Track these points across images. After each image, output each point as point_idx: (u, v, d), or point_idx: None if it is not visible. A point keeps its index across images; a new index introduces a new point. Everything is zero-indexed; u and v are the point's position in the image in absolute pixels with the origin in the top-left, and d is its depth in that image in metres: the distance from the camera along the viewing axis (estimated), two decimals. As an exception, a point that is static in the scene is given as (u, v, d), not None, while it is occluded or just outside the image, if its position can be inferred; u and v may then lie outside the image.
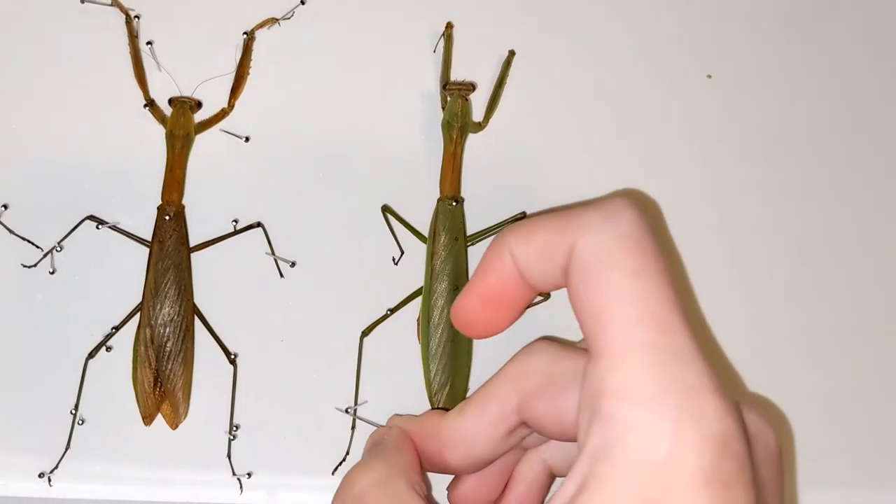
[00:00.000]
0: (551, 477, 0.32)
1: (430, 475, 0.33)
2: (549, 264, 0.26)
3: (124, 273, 0.43)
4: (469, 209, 0.45)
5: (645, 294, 0.24)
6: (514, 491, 0.32)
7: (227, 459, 0.42)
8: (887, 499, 0.45)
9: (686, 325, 0.24)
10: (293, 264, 0.44)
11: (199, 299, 0.43)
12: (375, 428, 0.34)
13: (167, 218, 0.42)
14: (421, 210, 0.44)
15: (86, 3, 0.44)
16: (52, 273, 0.43)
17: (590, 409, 0.23)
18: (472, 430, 0.29)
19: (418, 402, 0.43)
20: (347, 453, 0.43)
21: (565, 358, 0.28)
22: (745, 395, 0.45)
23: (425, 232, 0.44)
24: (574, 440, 0.27)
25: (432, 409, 0.43)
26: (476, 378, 0.44)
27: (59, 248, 0.42)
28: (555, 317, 0.42)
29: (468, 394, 0.44)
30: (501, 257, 0.27)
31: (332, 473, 0.43)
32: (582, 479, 0.23)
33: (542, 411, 0.28)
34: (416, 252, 0.44)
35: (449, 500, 0.32)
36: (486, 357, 0.44)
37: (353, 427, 0.43)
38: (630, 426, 0.22)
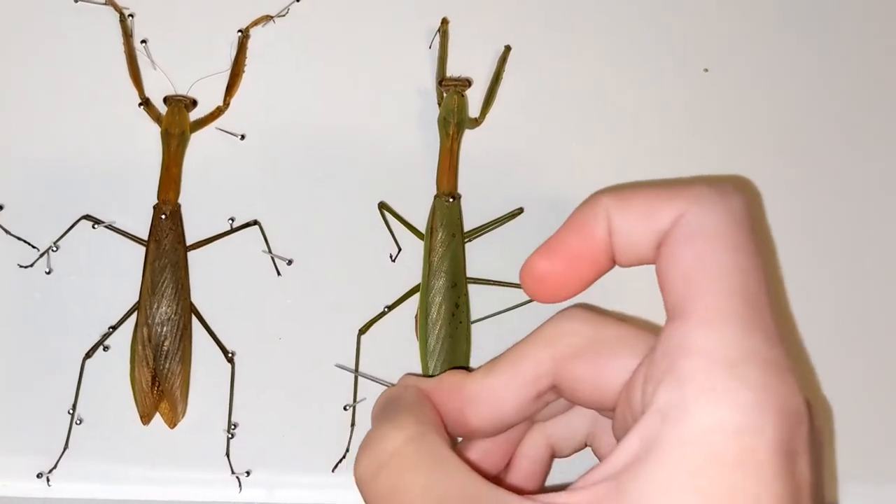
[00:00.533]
0: (552, 456, 0.32)
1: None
2: (648, 230, 0.26)
3: (121, 272, 0.43)
4: (466, 206, 0.44)
5: (743, 270, 0.24)
6: (517, 467, 0.32)
7: (226, 458, 0.42)
8: None
9: (771, 307, 0.24)
10: (290, 262, 0.44)
11: (197, 298, 0.43)
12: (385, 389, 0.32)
13: (163, 217, 0.42)
14: (418, 207, 0.44)
15: (79, 3, 0.44)
16: (48, 273, 0.42)
17: (663, 368, 0.23)
18: (501, 389, 0.29)
19: (417, 398, 0.43)
20: (347, 450, 0.43)
21: (608, 324, 0.28)
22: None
23: (422, 229, 0.44)
24: (608, 409, 0.28)
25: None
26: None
27: (55, 248, 0.42)
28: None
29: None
30: (596, 216, 0.27)
31: (333, 471, 0.43)
32: (650, 436, 0.23)
33: (580, 374, 0.28)
34: (414, 249, 0.44)
35: None
36: (484, 353, 0.44)
37: (353, 424, 0.43)
38: (711, 387, 0.22)
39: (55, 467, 0.42)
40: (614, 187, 0.27)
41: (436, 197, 0.44)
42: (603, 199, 0.27)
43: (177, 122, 0.42)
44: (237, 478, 0.42)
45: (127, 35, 0.43)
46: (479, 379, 0.29)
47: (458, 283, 0.44)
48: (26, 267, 0.42)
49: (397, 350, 0.44)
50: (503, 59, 0.45)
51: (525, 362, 0.28)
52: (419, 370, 0.43)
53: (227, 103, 0.44)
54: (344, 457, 0.43)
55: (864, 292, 0.47)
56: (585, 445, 0.32)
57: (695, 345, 0.23)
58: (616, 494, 0.23)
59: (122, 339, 0.42)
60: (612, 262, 0.27)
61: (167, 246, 0.42)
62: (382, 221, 0.44)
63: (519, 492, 0.24)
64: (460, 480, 0.25)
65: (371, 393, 0.43)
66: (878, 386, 0.46)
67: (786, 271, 0.46)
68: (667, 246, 0.25)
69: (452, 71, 0.45)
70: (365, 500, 0.26)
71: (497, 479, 0.32)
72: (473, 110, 0.45)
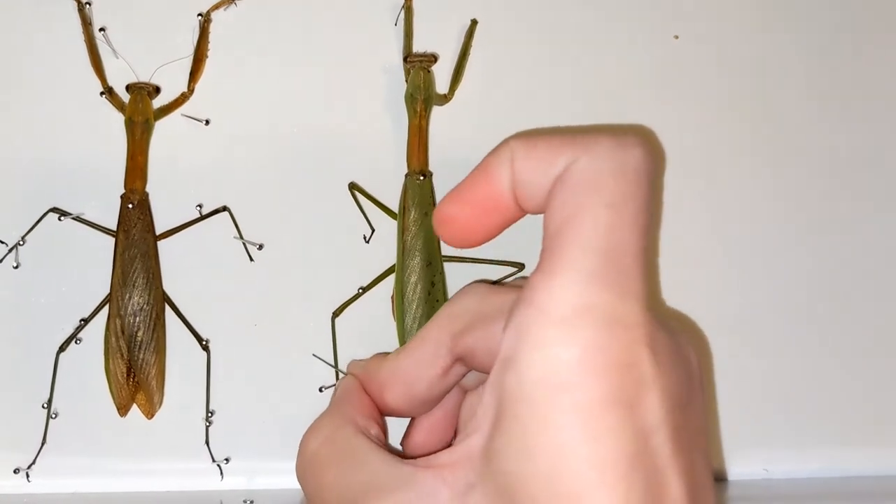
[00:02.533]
0: (463, 392, 0.32)
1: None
2: (545, 175, 0.25)
3: (91, 264, 0.42)
4: (439, 183, 0.44)
5: (610, 227, 0.24)
6: (461, 436, 0.32)
7: (206, 446, 0.42)
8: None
9: (641, 268, 0.24)
10: (261, 247, 0.43)
11: (169, 287, 0.43)
12: None
13: (131, 206, 0.42)
14: (389, 186, 0.44)
15: (37, -8, 0.43)
16: (16, 268, 0.42)
17: (510, 318, 0.24)
18: (410, 370, 0.30)
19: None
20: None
21: (494, 294, 0.29)
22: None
23: (395, 208, 0.44)
24: None
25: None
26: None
27: (22, 243, 0.42)
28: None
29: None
30: (501, 161, 0.26)
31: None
32: (494, 385, 0.24)
33: (471, 345, 0.28)
34: (388, 229, 0.44)
35: (404, 451, 0.33)
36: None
37: (335, 408, 0.43)
38: (537, 342, 0.23)
39: (34, 463, 0.41)
40: (528, 132, 0.26)
41: (407, 175, 0.43)
42: (510, 143, 0.26)
43: (140, 109, 0.42)
44: (219, 466, 0.42)
45: (86, 24, 0.42)
46: (391, 362, 0.31)
47: (434, 262, 0.43)
48: (-5, 263, 0.42)
49: (375, 331, 0.44)
50: (470, 34, 0.45)
51: (425, 344, 0.30)
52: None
53: (191, 89, 0.43)
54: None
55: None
56: None
57: (535, 297, 0.23)
58: (480, 451, 0.24)
59: (96, 332, 0.42)
60: (518, 210, 0.27)
61: (136, 236, 0.42)
62: (354, 203, 0.44)
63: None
64: (367, 467, 0.27)
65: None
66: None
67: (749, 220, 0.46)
68: (552, 194, 0.25)
69: (419, 47, 0.45)
70: (304, 495, 0.29)
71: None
72: (442, 86, 0.45)
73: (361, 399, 0.31)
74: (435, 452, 0.26)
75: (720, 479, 0.45)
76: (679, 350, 0.25)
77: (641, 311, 0.24)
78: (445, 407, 0.31)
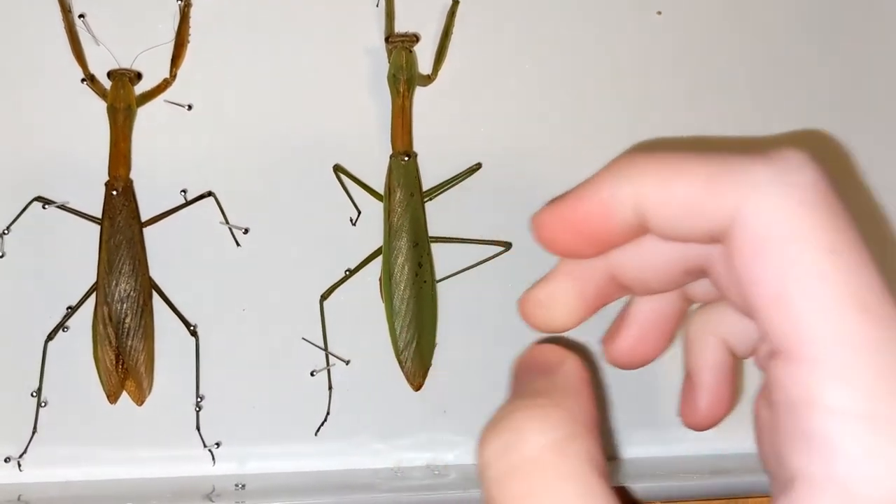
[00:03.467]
0: (734, 359, 0.27)
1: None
2: (694, 226, 0.21)
3: (77, 252, 0.42)
4: (424, 164, 0.44)
5: (847, 275, 0.19)
6: (701, 383, 0.26)
7: (197, 432, 0.42)
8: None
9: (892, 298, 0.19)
10: (246, 231, 0.43)
11: (156, 273, 0.43)
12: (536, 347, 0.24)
13: (115, 193, 0.41)
14: (374, 168, 0.44)
15: (16, -20, 0.43)
16: (1, 257, 0.42)
17: (792, 424, 0.19)
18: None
19: (386, 360, 0.43)
20: (328, 413, 0.43)
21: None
22: None
23: (381, 190, 0.44)
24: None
25: (410, 364, 0.43)
26: (442, 333, 0.44)
27: (6, 232, 0.42)
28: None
29: (435, 349, 0.44)
30: (621, 203, 0.22)
31: (315, 434, 0.43)
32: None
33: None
34: (374, 211, 0.44)
35: (606, 356, 0.27)
36: (450, 312, 0.44)
37: (330, 388, 0.43)
38: (847, 451, 0.18)
39: (25, 452, 0.41)
40: (640, 155, 0.21)
41: (391, 156, 0.43)
42: (634, 180, 0.21)
43: (122, 96, 0.42)
44: (210, 451, 0.42)
45: (65, 10, 0.42)
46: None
47: (420, 243, 0.43)
48: (-20, 253, 0.42)
49: (364, 313, 0.44)
50: (452, 13, 0.45)
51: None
52: (386, 332, 0.43)
53: (173, 75, 0.43)
54: (325, 420, 0.43)
55: None
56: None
57: (817, 396, 0.19)
58: None
59: (84, 320, 0.42)
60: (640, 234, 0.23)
61: (121, 223, 0.42)
62: (339, 185, 0.44)
63: None
64: None
65: (341, 355, 0.43)
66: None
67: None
68: (732, 253, 0.20)
69: (401, 28, 0.44)
70: (485, 488, 0.21)
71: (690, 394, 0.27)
72: (426, 67, 0.45)
73: (591, 403, 0.22)
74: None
75: None
76: None
77: None
78: (658, 320, 0.26)
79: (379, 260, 0.44)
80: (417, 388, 0.43)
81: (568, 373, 0.23)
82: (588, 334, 0.40)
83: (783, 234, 0.19)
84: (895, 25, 0.48)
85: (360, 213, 0.44)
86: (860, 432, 0.18)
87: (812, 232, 0.19)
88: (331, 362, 0.43)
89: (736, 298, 0.22)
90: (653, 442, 0.45)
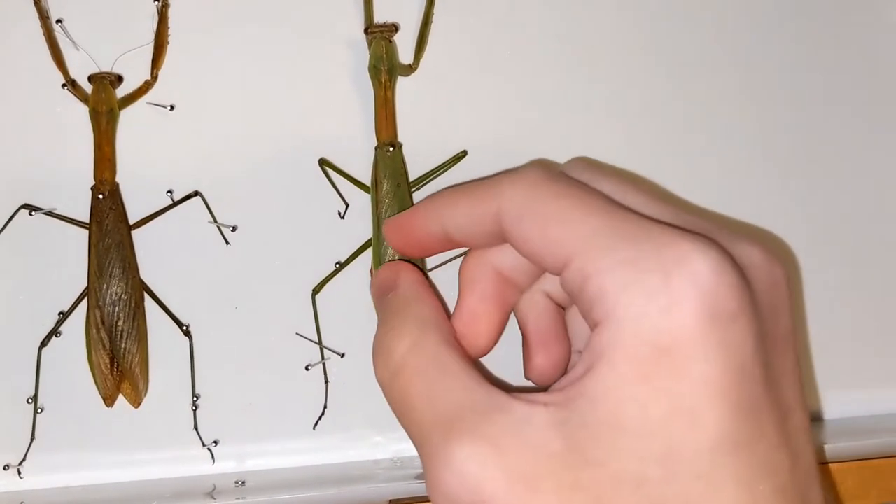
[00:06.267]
0: (560, 308, 0.33)
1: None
2: (478, 226, 0.29)
3: (67, 258, 0.42)
4: (410, 154, 0.44)
5: (579, 201, 0.26)
6: (532, 333, 0.33)
7: (195, 431, 0.42)
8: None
9: (630, 210, 0.26)
10: (234, 229, 0.43)
11: (147, 275, 0.43)
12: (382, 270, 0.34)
13: (101, 197, 0.41)
14: (360, 160, 0.44)
15: (-8, -12, 0.43)
16: (-9, 266, 0.42)
17: (587, 300, 0.25)
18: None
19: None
20: (325, 407, 0.43)
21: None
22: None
23: (367, 181, 0.44)
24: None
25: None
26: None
27: (-5, 240, 0.42)
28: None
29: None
30: (433, 221, 0.31)
31: (314, 428, 0.43)
32: (590, 349, 0.25)
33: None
34: (362, 203, 0.44)
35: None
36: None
37: (326, 381, 0.43)
38: (620, 288, 0.24)
39: (25, 459, 0.41)
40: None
41: (376, 148, 0.43)
42: (437, 207, 0.31)
43: (103, 99, 0.41)
44: (209, 450, 0.42)
45: (43, 17, 0.42)
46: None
47: (410, 233, 0.43)
48: (-30, 263, 0.42)
49: (356, 306, 0.44)
50: (431, 2, 0.45)
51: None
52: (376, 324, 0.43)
53: (154, 76, 0.43)
54: (322, 414, 0.43)
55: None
56: None
57: (590, 268, 0.25)
58: (580, 393, 0.25)
59: (77, 325, 0.42)
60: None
61: (110, 226, 0.42)
62: (326, 178, 0.44)
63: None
64: (459, 385, 0.27)
65: (335, 348, 0.43)
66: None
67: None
68: (509, 236, 0.28)
69: (380, 18, 0.44)
70: (386, 399, 0.29)
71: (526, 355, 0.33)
72: (408, 57, 0.45)
73: (435, 299, 0.31)
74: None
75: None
76: (755, 256, 0.26)
77: (663, 227, 0.25)
78: (488, 306, 0.32)
79: (369, 252, 0.44)
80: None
81: (405, 283, 0.32)
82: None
83: (527, 204, 0.27)
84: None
85: (347, 205, 0.44)
86: (616, 274, 0.25)
87: (536, 192, 0.27)
88: (325, 356, 0.43)
89: (526, 255, 0.29)
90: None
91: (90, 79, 0.42)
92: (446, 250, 0.32)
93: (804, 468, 0.25)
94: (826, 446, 0.43)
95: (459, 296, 0.32)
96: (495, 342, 0.32)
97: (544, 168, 0.29)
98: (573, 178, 0.29)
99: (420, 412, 0.27)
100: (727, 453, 0.23)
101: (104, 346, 0.41)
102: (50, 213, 0.42)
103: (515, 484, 0.24)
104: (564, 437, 0.24)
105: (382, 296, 0.33)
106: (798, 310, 0.46)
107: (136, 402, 0.42)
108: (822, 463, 0.43)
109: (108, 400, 0.42)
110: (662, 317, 0.23)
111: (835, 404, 0.46)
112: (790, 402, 0.26)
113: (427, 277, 0.33)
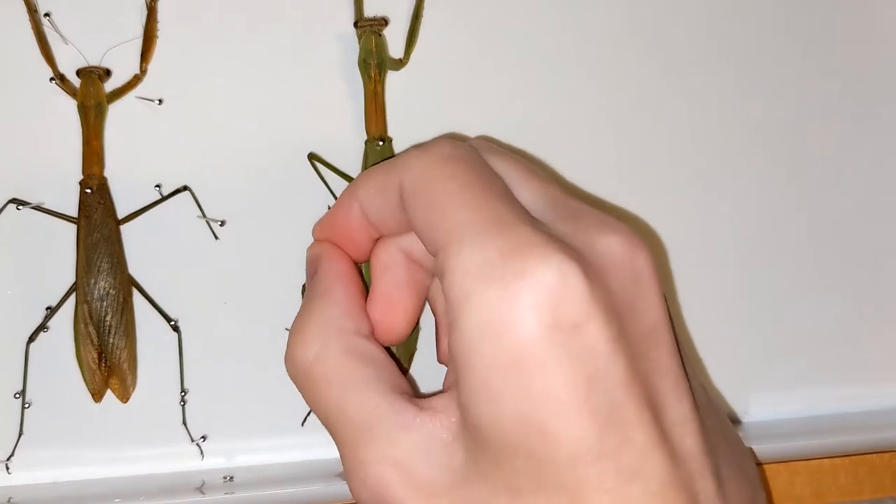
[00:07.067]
0: (414, 263, 0.32)
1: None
2: (386, 202, 0.29)
3: (55, 252, 0.42)
4: (400, 148, 0.44)
5: (462, 188, 0.26)
6: (440, 313, 0.34)
7: (184, 427, 0.42)
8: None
9: (507, 202, 0.26)
10: (223, 223, 0.43)
11: (135, 270, 0.42)
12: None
13: (89, 191, 0.41)
14: (349, 154, 0.43)
15: (-20, -18, 0.43)
16: (-22, 260, 0.42)
17: (445, 295, 0.25)
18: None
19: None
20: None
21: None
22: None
23: (356, 176, 0.43)
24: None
25: (395, 348, 0.43)
26: (426, 316, 0.43)
27: (-18, 235, 0.42)
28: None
29: (420, 333, 0.43)
30: (352, 206, 0.31)
31: (302, 425, 0.43)
32: (451, 354, 0.25)
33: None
34: (352, 198, 0.44)
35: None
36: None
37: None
38: (464, 296, 0.24)
39: (13, 454, 0.41)
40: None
41: (366, 142, 0.43)
42: (353, 191, 0.31)
43: (91, 93, 0.41)
44: (198, 446, 0.42)
45: (31, 10, 0.42)
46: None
47: (400, 228, 0.43)
48: (-42, 257, 0.42)
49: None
50: (421, -4, 0.44)
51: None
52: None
53: (143, 70, 0.43)
54: (311, 411, 0.43)
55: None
56: None
57: (445, 267, 0.25)
58: (459, 403, 0.25)
59: (65, 320, 0.42)
60: (377, 231, 0.31)
61: (98, 221, 0.41)
62: (315, 173, 0.43)
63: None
64: (364, 402, 0.27)
65: (322, 346, 0.43)
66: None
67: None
68: (406, 209, 0.28)
69: (370, 11, 0.44)
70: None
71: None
72: (398, 51, 0.44)
73: (347, 288, 0.31)
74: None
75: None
76: (614, 246, 0.26)
77: (530, 229, 0.25)
78: (396, 280, 0.32)
79: (360, 247, 0.43)
80: (403, 373, 0.43)
81: (321, 270, 0.32)
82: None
83: (422, 181, 0.27)
84: None
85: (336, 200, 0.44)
86: (464, 281, 0.24)
87: (438, 172, 0.27)
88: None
89: (416, 234, 0.29)
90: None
91: (78, 73, 0.42)
92: (372, 242, 0.31)
93: (687, 461, 0.24)
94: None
95: (372, 283, 0.32)
96: (412, 326, 0.32)
97: (452, 144, 0.28)
98: (476, 156, 0.28)
99: (333, 419, 0.28)
100: (589, 464, 0.23)
101: (92, 341, 0.41)
102: (38, 208, 0.42)
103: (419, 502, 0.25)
104: (466, 449, 0.25)
105: (308, 278, 0.33)
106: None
107: (125, 396, 0.42)
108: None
109: (97, 395, 0.41)
110: (506, 331, 0.23)
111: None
112: (665, 396, 0.25)
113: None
